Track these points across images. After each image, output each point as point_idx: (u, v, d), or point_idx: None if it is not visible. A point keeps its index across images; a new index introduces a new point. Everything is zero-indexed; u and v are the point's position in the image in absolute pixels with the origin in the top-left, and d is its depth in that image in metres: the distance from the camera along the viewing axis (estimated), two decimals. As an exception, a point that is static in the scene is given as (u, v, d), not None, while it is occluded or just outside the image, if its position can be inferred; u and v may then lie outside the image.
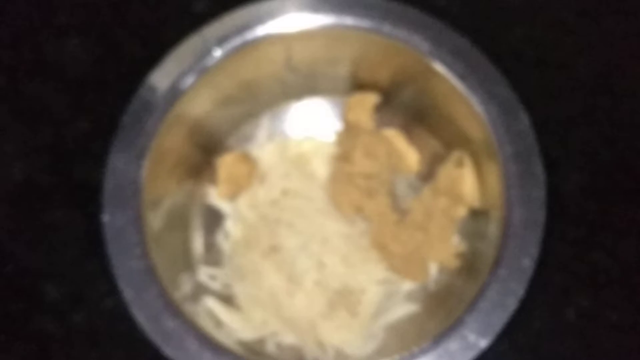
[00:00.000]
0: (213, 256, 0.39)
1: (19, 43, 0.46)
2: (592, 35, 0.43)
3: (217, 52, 0.34)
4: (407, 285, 0.37)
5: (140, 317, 0.31)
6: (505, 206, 0.31)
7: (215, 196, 0.39)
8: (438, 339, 0.29)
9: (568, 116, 0.42)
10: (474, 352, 0.29)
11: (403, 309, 0.37)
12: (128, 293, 0.31)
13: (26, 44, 0.46)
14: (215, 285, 0.37)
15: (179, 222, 0.38)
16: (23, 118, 0.44)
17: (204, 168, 0.39)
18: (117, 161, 0.33)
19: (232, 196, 0.39)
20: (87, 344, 0.40)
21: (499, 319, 0.29)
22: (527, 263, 0.30)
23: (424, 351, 0.29)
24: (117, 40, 0.45)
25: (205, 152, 0.39)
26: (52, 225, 0.42)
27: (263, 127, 0.40)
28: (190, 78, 0.34)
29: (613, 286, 0.38)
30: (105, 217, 0.32)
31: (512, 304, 0.30)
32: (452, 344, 0.29)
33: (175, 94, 0.34)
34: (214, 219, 0.39)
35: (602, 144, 0.41)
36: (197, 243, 0.39)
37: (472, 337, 0.29)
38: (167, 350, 0.30)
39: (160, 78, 0.34)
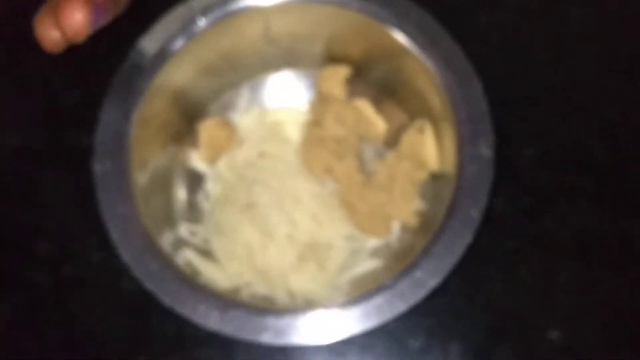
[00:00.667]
0: (193, 214, 0.41)
1: (15, 17, 0.49)
2: (551, 20, 0.46)
3: (202, 22, 0.37)
4: (372, 243, 0.40)
5: (126, 256, 0.33)
6: (458, 164, 0.35)
7: (196, 159, 0.42)
8: (392, 280, 0.32)
9: (525, 95, 0.45)
10: (424, 290, 0.32)
11: (367, 264, 0.40)
12: (115, 234, 0.34)
13: (22, 18, 0.49)
14: (195, 240, 0.40)
15: (162, 182, 0.41)
16: (17, 88, 0.47)
17: (186, 133, 0.42)
18: (108, 116, 0.36)
19: (212, 159, 0.42)
20: (75, 295, 0.42)
21: (448, 262, 0.32)
22: (475, 214, 0.33)
23: (379, 291, 0.32)
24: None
25: (188, 118, 0.42)
26: (45, 186, 0.45)
27: (243, 96, 0.43)
28: (176, 44, 0.37)
29: (562, 249, 0.42)
30: (96, 167, 0.35)
31: (460, 249, 0.33)
32: (405, 284, 0.32)
33: (162, 58, 0.37)
34: (195, 180, 0.42)
35: (556, 122, 0.44)
36: (179, 202, 0.42)
37: (422, 277, 0.32)
38: (149, 286, 0.33)
39: (149, 43, 0.37)
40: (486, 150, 0.34)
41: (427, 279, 0.32)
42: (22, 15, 0.48)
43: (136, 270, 0.33)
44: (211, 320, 0.32)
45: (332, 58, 0.42)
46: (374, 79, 0.43)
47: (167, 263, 0.34)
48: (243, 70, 0.42)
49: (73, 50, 0.47)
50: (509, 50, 0.46)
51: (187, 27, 0.37)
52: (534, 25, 0.46)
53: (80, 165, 0.44)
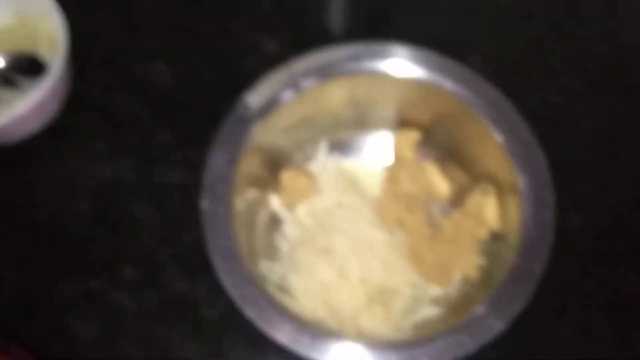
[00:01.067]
0: (271, 253, 0.46)
1: (114, 62, 0.54)
2: (595, 102, 0.52)
3: (300, 84, 0.43)
4: (434, 291, 0.44)
5: (226, 281, 0.38)
6: (521, 226, 0.39)
7: (277, 204, 0.47)
8: (458, 325, 0.37)
9: (572, 167, 0.50)
10: (489, 335, 0.36)
11: (428, 311, 0.44)
12: (217, 262, 0.38)
13: (119, 64, 0.54)
14: (273, 276, 0.45)
15: (247, 222, 0.46)
16: (113, 125, 0.52)
17: (269, 180, 0.47)
18: (215, 159, 0.41)
19: (291, 205, 0.47)
20: (157, 319, 0.46)
21: (514, 310, 0.37)
22: (538, 269, 0.38)
23: (444, 334, 0.37)
24: (198, 68, 0.54)
25: (272, 166, 0.47)
26: (133, 216, 0.49)
27: (322, 150, 0.48)
28: (275, 102, 0.42)
29: (603, 309, 0.46)
30: (204, 203, 0.40)
31: (523, 300, 0.37)
32: (471, 329, 0.37)
33: (263, 113, 0.42)
34: (274, 223, 0.47)
35: (599, 194, 0.49)
36: (259, 241, 0.46)
37: (491, 322, 0.37)
38: (243, 306, 0.37)
39: (253, 98, 0.42)
40: (548, 216, 0.39)
41: (494, 323, 0.37)
42: (118, 60, 0.54)
43: (235, 295, 0.38)
44: (301, 345, 0.37)
45: (404, 122, 0.48)
46: (441, 142, 0.48)
47: (263, 289, 0.38)
48: (325, 128, 0.47)
49: (162, 96, 0.53)
50: (557, 126, 0.51)
51: (287, 87, 0.43)
52: (581, 105, 0.52)
53: (167, 200, 0.49)
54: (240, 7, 0.56)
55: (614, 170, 0.50)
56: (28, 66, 0.51)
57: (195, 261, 0.47)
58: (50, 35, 0.50)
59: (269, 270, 0.45)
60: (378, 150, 0.48)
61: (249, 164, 0.44)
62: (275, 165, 0.47)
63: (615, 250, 0.47)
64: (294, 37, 0.54)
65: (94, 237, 0.49)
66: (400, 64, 0.44)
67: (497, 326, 0.37)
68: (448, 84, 0.44)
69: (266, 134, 0.44)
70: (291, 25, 0.55)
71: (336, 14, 0.56)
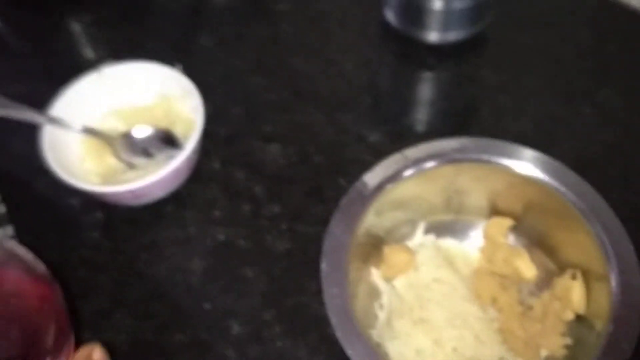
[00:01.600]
0: (368, 320, 0.50)
1: (234, 142, 0.62)
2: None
3: (410, 171, 0.49)
4: (521, 366, 0.48)
5: (342, 338, 0.42)
6: (612, 309, 0.43)
7: (377, 275, 0.52)
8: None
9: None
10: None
11: (514, 385, 0.47)
12: (333, 319, 0.43)
13: (238, 143, 0.62)
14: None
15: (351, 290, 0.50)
16: (230, 196, 0.59)
17: (370, 254, 0.52)
18: (335, 229, 0.46)
19: (390, 278, 0.51)
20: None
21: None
22: (627, 349, 0.41)
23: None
24: (308, 152, 0.61)
25: (373, 242, 0.52)
26: (242, 278, 0.54)
27: (420, 229, 0.53)
28: (389, 183, 0.48)
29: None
30: (323, 265, 0.45)
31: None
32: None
33: (378, 191, 0.48)
34: (372, 293, 0.52)
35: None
36: (359, 308, 0.50)
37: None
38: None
39: (371, 178, 0.48)
40: (636, 300, 0.42)
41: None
42: (238, 141, 0.62)
43: (350, 351, 0.42)
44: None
45: (496, 210, 0.53)
46: (527, 231, 0.52)
47: (375, 348, 0.42)
48: (423, 210, 0.53)
49: (274, 174, 0.59)
50: (637, 225, 0.55)
51: (400, 171, 0.48)
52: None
53: (274, 267, 0.54)
54: (347, 102, 0.63)
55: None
56: (163, 140, 0.59)
57: (297, 322, 0.51)
58: (186, 115, 0.59)
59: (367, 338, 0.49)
60: (472, 234, 0.52)
61: (360, 238, 0.49)
62: (378, 241, 0.53)
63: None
64: (392, 131, 0.61)
65: (206, 294, 0.54)
66: (500, 160, 0.50)
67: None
68: (545, 178, 0.49)
69: (378, 211, 0.50)
70: (389, 120, 0.62)
71: (428, 112, 0.63)
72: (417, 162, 0.48)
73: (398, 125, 0.62)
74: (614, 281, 0.44)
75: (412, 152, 0.49)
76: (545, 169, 0.48)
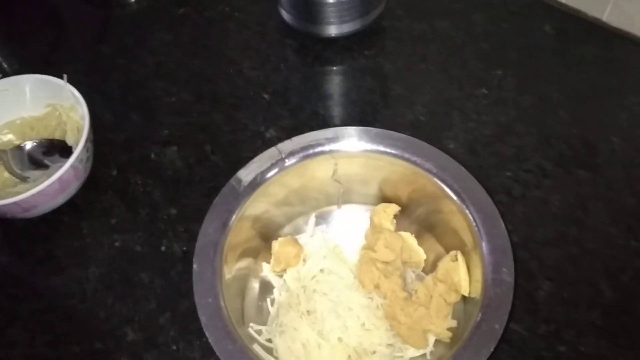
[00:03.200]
0: (260, 316, 0.50)
1: (132, 148, 0.62)
2: (565, 180, 0.56)
3: (286, 162, 0.48)
4: (410, 352, 0.47)
5: (211, 338, 0.42)
6: (484, 287, 0.43)
7: (267, 270, 0.51)
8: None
9: (543, 240, 0.54)
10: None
11: (406, 371, 0.47)
12: (203, 318, 0.42)
13: (136, 149, 0.61)
14: (260, 339, 0.48)
15: (239, 288, 0.50)
16: (127, 201, 0.58)
17: (262, 249, 0.52)
18: (208, 226, 0.46)
19: (281, 271, 0.51)
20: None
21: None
22: (498, 328, 0.41)
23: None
24: (205, 152, 0.61)
25: (264, 237, 0.52)
26: (138, 283, 0.54)
27: (310, 223, 0.53)
28: (264, 177, 0.48)
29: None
30: (195, 265, 0.44)
31: (484, 357, 0.40)
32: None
33: (253, 187, 0.48)
34: (264, 288, 0.51)
35: (569, 264, 0.53)
36: (250, 305, 0.50)
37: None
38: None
39: (245, 174, 0.48)
40: (508, 276, 0.43)
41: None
42: (135, 145, 0.61)
43: (218, 350, 0.41)
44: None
45: (383, 198, 0.53)
46: (417, 216, 0.52)
47: (245, 347, 0.42)
48: (312, 203, 0.53)
49: (172, 177, 0.59)
50: (529, 201, 0.56)
51: (274, 165, 0.48)
52: (550, 183, 0.56)
53: (171, 270, 0.54)
54: (245, 100, 0.63)
55: (582, 241, 0.53)
56: (57, 150, 0.58)
57: (192, 324, 0.51)
58: (77, 123, 0.58)
59: (258, 333, 0.49)
60: (360, 222, 0.52)
61: (243, 235, 0.49)
62: (268, 237, 0.52)
63: (586, 316, 0.50)
64: (289, 126, 0.61)
65: (102, 302, 0.53)
66: (378, 146, 0.50)
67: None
68: (424, 165, 0.49)
69: (257, 206, 0.50)
70: (286, 115, 0.62)
71: (325, 106, 0.63)
72: (291, 154, 0.48)
73: (295, 120, 0.62)
74: (485, 260, 0.44)
75: (286, 145, 0.49)
76: (426, 157, 0.48)
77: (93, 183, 0.59)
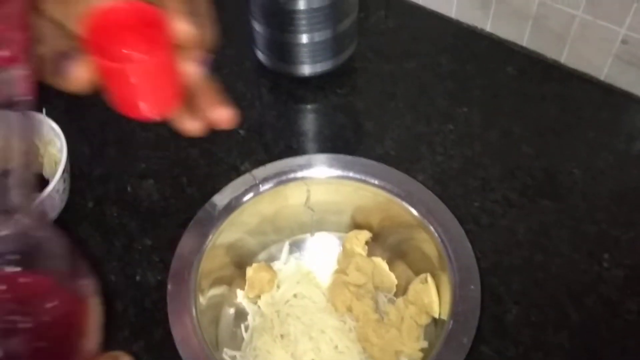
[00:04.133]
0: (234, 342, 0.50)
1: (109, 181, 0.63)
2: (530, 210, 0.59)
3: (260, 188, 0.50)
4: (382, 375, 0.48)
5: (184, 355, 0.42)
6: (452, 303, 0.44)
7: (242, 297, 0.52)
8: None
9: (510, 265, 0.55)
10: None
11: (378, 393, 0.47)
12: (177, 338, 0.43)
13: (113, 182, 0.63)
14: (234, 363, 0.49)
15: (214, 314, 0.51)
16: (103, 233, 0.59)
17: (236, 277, 0.53)
18: (182, 249, 0.47)
19: (255, 297, 0.52)
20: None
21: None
22: (466, 341, 0.42)
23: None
24: (181, 185, 0.62)
25: (239, 265, 0.53)
26: (111, 312, 0.54)
27: (284, 250, 0.54)
28: (240, 202, 0.49)
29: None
30: (169, 286, 0.45)
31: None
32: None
33: (227, 212, 0.49)
34: (239, 315, 0.52)
35: (536, 288, 0.54)
36: (224, 331, 0.51)
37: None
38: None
39: (220, 199, 0.49)
40: (475, 292, 0.44)
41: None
42: (113, 178, 0.62)
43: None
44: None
45: (356, 225, 0.54)
46: (389, 244, 0.54)
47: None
48: (286, 231, 0.54)
49: (149, 208, 0.60)
50: (496, 230, 0.58)
51: (248, 190, 0.50)
52: (516, 212, 0.58)
53: (145, 299, 0.54)
54: (221, 136, 0.65)
55: (547, 266, 0.55)
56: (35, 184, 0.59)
57: (165, 352, 0.51)
58: (55, 156, 0.59)
59: (232, 358, 0.49)
60: (333, 249, 0.54)
61: (217, 261, 0.50)
62: (242, 264, 0.53)
63: (553, 338, 0.51)
64: (263, 160, 0.63)
65: (75, 331, 0.53)
66: (349, 172, 0.51)
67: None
68: (394, 190, 0.51)
69: (232, 234, 0.51)
70: (260, 150, 0.64)
71: (298, 141, 0.65)
72: (265, 180, 0.50)
73: (269, 154, 0.63)
74: (454, 280, 0.46)
75: (260, 171, 0.50)
76: (389, 179, 0.50)
77: (69, 215, 0.59)
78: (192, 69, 0.30)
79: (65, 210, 0.59)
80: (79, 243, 0.57)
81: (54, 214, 0.57)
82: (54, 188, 0.54)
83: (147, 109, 0.33)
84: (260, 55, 0.68)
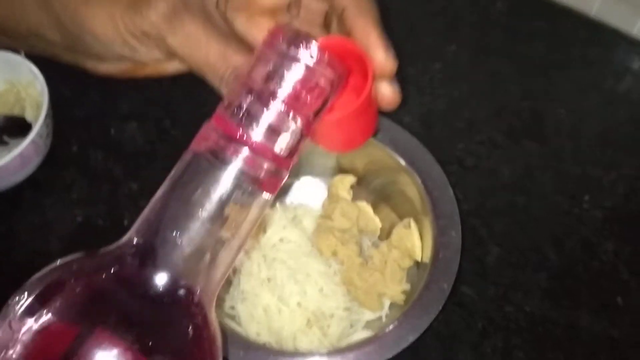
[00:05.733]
0: (223, 286, 0.51)
1: (91, 124, 0.62)
2: (514, 151, 0.59)
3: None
4: (367, 316, 0.50)
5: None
6: (434, 249, 0.45)
7: (229, 241, 0.53)
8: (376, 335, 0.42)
9: (492, 208, 0.56)
10: (404, 344, 0.41)
11: (362, 334, 0.49)
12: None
13: (96, 124, 0.62)
14: (224, 307, 0.50)
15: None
16: (88, 177, 0.59)
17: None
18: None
19: (242, 242, 0.53)
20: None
21: (425, 322, 0.42)
22: (446, 287, 0.43)
23: (364, 343, 0.42)
24: (165, 127, 0.61)
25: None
26: (101, 257, 0.55)
27: (270, 194, 0.54)
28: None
29: (519, 332, 0.51)
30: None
31: (434, 313, 0.42)
32: (388, 337, 0.42)
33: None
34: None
35: (517, 230, 0.55)
36: (212, 275, 0.52)
37: (403, 334, 0.42)
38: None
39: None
40: (455, 238, 0.45)
41: (407, 335, 0.42)
42: (95, 121, 0.62)
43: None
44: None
45: (341, 169, 0.54)
46: (373, 187, 0.54)
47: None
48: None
49: (133, 152, 0.60)
50: (480, 172, 0.58)
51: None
52: (501, 154, 0.59)
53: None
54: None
55: (530, 209, 0.56)
56: (17, 127, 0.58)
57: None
58: (36, 99, 0.58)
59: (221, 302, 0.50)
60: (318, 194, 0.54)
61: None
62: (228, 208, 0.54)
63: (532, 279, 0.53)
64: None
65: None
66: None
67: (409, 338, 0.42)
68: (378, 137, 0.51)
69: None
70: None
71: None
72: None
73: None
74: (435, 226, 0.46)
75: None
76: (382, 130, 0.50)
77: (53, 159, 0.59)
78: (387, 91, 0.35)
79: (49, 154, 0.58)
80: (65, 188, 0.58)
81: (39, 159, 0.57)
82: (37, 133, 0.53)
83: (358, 143, 0.36)
84: None
